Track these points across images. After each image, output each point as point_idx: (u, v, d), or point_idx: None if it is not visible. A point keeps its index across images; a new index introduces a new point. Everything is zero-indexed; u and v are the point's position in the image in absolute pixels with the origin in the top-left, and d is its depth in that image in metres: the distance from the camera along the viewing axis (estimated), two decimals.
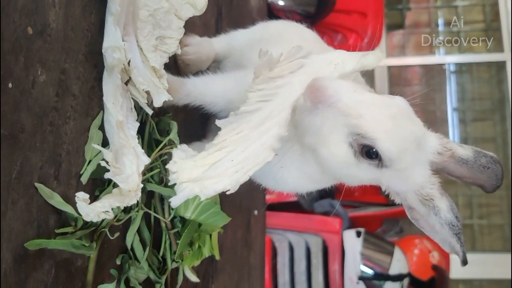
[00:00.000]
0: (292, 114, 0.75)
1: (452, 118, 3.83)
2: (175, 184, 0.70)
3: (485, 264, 3.26)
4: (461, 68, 3.97)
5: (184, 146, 0.74)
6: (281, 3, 2.45)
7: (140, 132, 0.79)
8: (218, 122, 0.76)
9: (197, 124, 1.11)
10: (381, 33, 3.09)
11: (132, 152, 0.74)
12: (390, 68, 3.83)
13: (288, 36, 1.08)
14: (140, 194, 0.73)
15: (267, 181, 0.97)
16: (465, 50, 3.78)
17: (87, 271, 0.72)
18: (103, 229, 0.73)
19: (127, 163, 0.73)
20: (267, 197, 1.67)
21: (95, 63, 0.74)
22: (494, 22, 3.83)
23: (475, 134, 3.85)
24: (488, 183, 0.76)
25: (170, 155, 0.87)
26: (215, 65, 1.17)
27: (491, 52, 3.71)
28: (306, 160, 0.84)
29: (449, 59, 3.89)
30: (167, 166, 0.71)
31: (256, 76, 0.77)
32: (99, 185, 0.74)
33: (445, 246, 0.77)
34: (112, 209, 0.69)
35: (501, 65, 3.73)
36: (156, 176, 0.85)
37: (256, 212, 1.47)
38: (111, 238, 0.75)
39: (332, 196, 2.64)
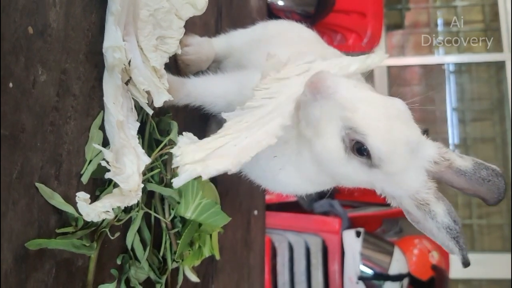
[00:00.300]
0: (296, 108, 0.76)
1: (451, 118, 3.84)
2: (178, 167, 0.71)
3: (484, 264, 3.26)
4: (460, 68, 3.97)
5: (189, 133, 0.75)
6: (280, 3, 2.45)
7: (141, 132, 0.79)
8: (224, 114, 0.77)
9: (198, 124, 1.11)
10: (380, 33, 3.09)
11: (132, 152, 0.74)
12: (389, 68, 3.83)
13: (288, 36, 1.08)
14: (140, 194, 0.73)
15: (267, 182, 0.97)
16: (464, 50, 3.79)
17: (87, 271, 0.72)
18: (103, 229, 0.73)
19: (128, 163, 0.73)
20: (267, 197, 1.67)
21: (96, 63, 0.74)
22: (493, 22, 3.84)
23: (474, 134, 3.85)
24: (489, 196, 0.75)
25: (170, 155, 0.87)
26: (215, 65, 1.17)
27: (491, 52, 3.71)
28: (304, 161, 0.83)
29: (449, 59, 3.90)
30: (171, 151, 0.72)
31: (263, 76, 0.79)
32: (100, 185, 0.74)
33: (446, 248, 0.77)
34: (112, 209, 0.69)
35: (500, 65, 3.73)
36: (157, 176, 0.85)
37: (256, 212, 1.47)
38: (112, 238, 0.75)
39: (332, 196, 2.64)
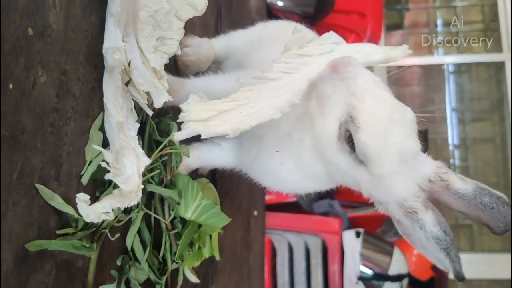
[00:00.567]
0: (309, 88, 0.76)
1: (451, 118, 3.84)
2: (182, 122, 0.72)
3: (484, 264, 3.27)
4: (460, 69, 3.97)
5: (200, 92, 0.76)
6: (280, 3, 2.45)
7: (141, 133, 0.79)
8: (238, 80, 0.77)
9: None
10: (380, 33, 3.09)
11: (132, 153, 0.74)
12: (389, 68, 3.82)
13: (287, 36, 1.08)
14: (140, 195, 0.73)
15: (267, 179, 0.96)
16: (464, 50, 3.79)
17: (87, 272, 0.72)
18: (103, 230, 0.73)
19: (128, 164, 0.73)
20: (267, 197, 1.67)
21: (96, 64, 0.74)
22: (492, 22, 3.84)
23: (474, 134, 3.86)
24: (493, 224, 0.71)
25: (170, 156, 0.87)
26: (215, 65, 1.17)
27: (490, 52, 3.72)
28: (304, 149, 0.82)
29: (448, 59, 3.90)
30: (180, 105, 0.74)
31: (285, 50, 0.79)
32: (100, 186, 0.74)
33: (437, 263, 0.74)
34: (112, 210, 0.69)
35: (499, 65, 3.74)
36: (157, 177, 0.85)
37: (255, 212, 1.47)
38: (112, 239, 0.75)
39: (331, 197, 2.64)
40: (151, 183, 0.84)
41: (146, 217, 0.84)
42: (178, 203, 0.87)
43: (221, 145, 1.01)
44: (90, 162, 0.71)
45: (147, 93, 0.77)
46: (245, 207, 1.40)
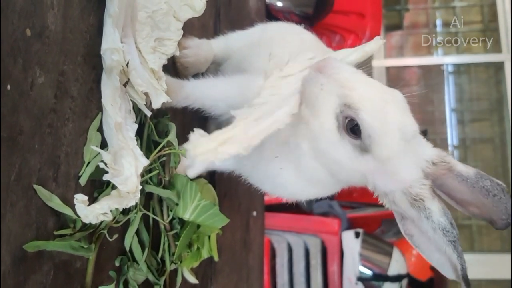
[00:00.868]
0: (301, 96, 0.79)
1: (450, 118, 3.84)
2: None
3: (483, 265, 3.27)
4: (459, 69, 3.98)
5: (200, 130, 0.79)
6: (279, 4, 2.45)
7: (139, 133, 0.79)
8: (233, 112, 0.80)
9: (196, 126, 1.10)
10: (379, 33, 3.09)
11: (130, 154, 0.74)
12: (388, 68, 3.83)
13: (287, 38, 1.08)
14: (138, 195, 0.73)
15: (267, 185, 0.96)
16: (463, 50, 3.79)
17: (86, 273, 0.72)
18: (102, 231, 0.73)
19: (126, 165, 0.73)
20: (266, 198, 1.67)
21: (94, 65, 0.74)
22: (492, 22, 3.84)
23: (473, 134, 3.86)
24: (496, 216, 0.69)
25: (169, 157, 0.87)
26: (215, 66, 1.17)
27: (489, 52, 3.72)
28: (303, 155, 0.82)
29: (447, 59, 3.90)
30: (184, 146, 0.77)
31: (267, 76, 0.83)
32: (98, 186, 0.74)
33: (444, 268, 0.72)
34: (110, 211, 0.69)
35: (499, 66, 3.74)
36: (155, 177, 0.85)
37: (254, 213, 1.47)
38: (110, 240, 0.75)
39: (331, 197, 2.64)
40: (150, 184, 0.84)
41: (145, 218, 0.84)
42: (177, 204, 0.87)
43: None
44: (88, 163, 0.71)
45: (146, 94, 0.77)
46: (244, 207, 1.40)
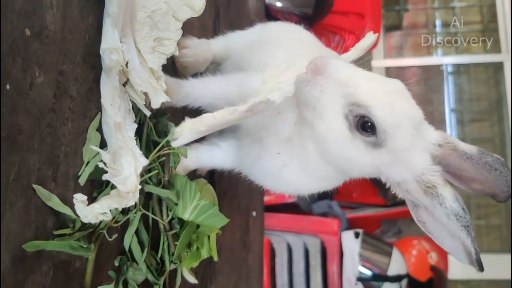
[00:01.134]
0: (297, 98, 0.79)
1: (450, 119, 3.84)
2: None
3: (483, 265, 3.26)
4: (458, 69, 3.98)
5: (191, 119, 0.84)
6: (278, 4, 2.45)
7: (138, 133, 0.79)
8: (226, 109, 0.81)
9: None
10: (378, 34, 3.09)
11: (130, 154, 0.74)
12: (388, 69, 3.83)
13: (286, 38, 1.08)
14: (138, 195, 0.73)
15: (269, 181, 0.96)
16: (462, 51, 3.79)
17: (85, 272, 0.72)
18: (101, 231, 0.73)
19: (125, 165, 0.73)
20: (266, 198, 1.67)
21: (93, 65, 0.74)
22: (491, 23, 3.84)
23: (473, 135, 3.86)
24: (498, 189, 0.71)
25: (168, 157, 0.87)
26: (214, 66, 1.17)
27: (489, 53, 3.72)
28: (309, 155, 0.83)
29: (447, 60, 3.91)
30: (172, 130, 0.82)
31: (264, 82, 0.82)
32: (97, 186, 0.74)
33: (457, 253, 0.73)
34: (110, 210, 0.69)
35: (498, 66, 3.74)
36: (154, 177, 0.85)
37: (254, 213, 1.47)
38: (109, 239, 0.75)
39: (330, 197, 2.64)
40: (149, 183, 0.84)
41: (144, 218, 0.84)
42: (176, 204, 0.87)
43: (220, 146, 1.01)
44: (88, 162, 0.71)
45: (145, 94, 0.77)
46: (243, 207, 1.39)
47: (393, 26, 3.99)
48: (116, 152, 0.72)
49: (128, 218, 0.79)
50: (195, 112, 0.97)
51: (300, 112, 0.81)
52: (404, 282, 2.34)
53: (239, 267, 1.36)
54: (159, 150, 0.83)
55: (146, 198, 0.85)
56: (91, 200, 0.71)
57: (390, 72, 3.83)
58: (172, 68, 1.04)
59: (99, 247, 0.73)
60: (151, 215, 0.85)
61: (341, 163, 0.80)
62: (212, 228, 0.90)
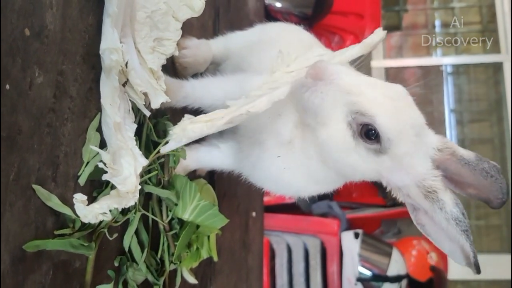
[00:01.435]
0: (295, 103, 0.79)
1: (449, 119, 3.84)
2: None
3: (483, 265, 3.25)
4: (458, 70, 3.98)
5: (190, 115, 0.82)
6: (278, 5, 2.45)
7: (138, 133, 0.79)
8: (228, 102, 0.81)
9: None
10: None
11: (129, 154, 0.74)
12: (387, 69, 3.83)
13: (286, 38, 1.08)
14: (137, 195, 0.73)
15: (269, 184, 0.96)
16: (462, 51, 3.79)
17: (85, 272, 0.71)
18: (101, 230, 0.73)
19: (125, 165, 0.73)
20: (265, 199, 1.67)
21: (93, 65, 0.74)
22: (490, 23, 3.84)
23: (472, 135, 3.86)
24: (492, 195, 0.73)
25: (167, 157, 0.87)
26: (214, 66, 1.17)
27: (488, 53, 3.72)
28: (311, 159, 0.83)
29: (446, 60, 3.91)
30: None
31: (272, 71, 0.82)
32: (97, 186, 0.74)
33: (455, 255, 0.74)
34: (110, 210, 0.69)
35: (498, 66, 3.74)
36: (154, 178, 0.85)
37: (254, 213, 1.47)
38: (110, 238, 0.75)
39: (330, 198, 2.64)
40: (149, 184, 0.84)
41: (144, 218, 0.84)
42: (176, 204, 0.87)
43: (220, 147, 1.01)
44: (88, 162, 0.71)
45: (145, 94, 0.77)
46: (243, 208, 1.39)
47: (392, 27, 3.99)
48: (116, 152, 0.72)
49: (128, 218, 0.79)
50: (195, 112, 0.97)
51: (300, 116, 0.81)
52: (404, 282, 2.34)
53: (239, 267, 1.36)
54: (158, 151, 0.83)
55: (146, 198, 0.85)
56: (91, 200, 0.71)
57: (390, 73, 3.83)
58: (172, 68, 1.04)
59: (99, 247, 0.73)
60: (151, 216, 0.85)
61: (343, 169, 0.80)
62: (212, 229, 0.90)
